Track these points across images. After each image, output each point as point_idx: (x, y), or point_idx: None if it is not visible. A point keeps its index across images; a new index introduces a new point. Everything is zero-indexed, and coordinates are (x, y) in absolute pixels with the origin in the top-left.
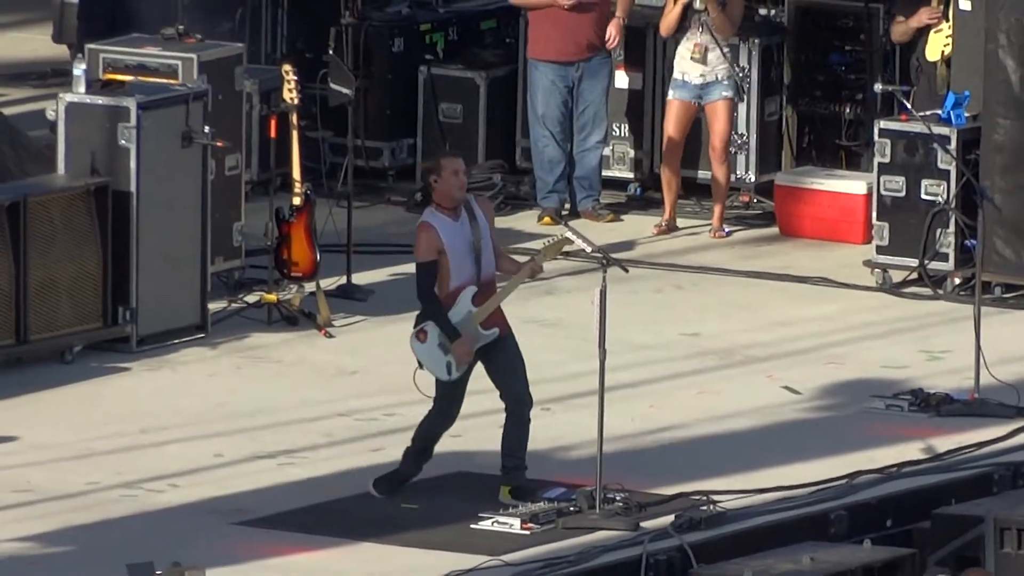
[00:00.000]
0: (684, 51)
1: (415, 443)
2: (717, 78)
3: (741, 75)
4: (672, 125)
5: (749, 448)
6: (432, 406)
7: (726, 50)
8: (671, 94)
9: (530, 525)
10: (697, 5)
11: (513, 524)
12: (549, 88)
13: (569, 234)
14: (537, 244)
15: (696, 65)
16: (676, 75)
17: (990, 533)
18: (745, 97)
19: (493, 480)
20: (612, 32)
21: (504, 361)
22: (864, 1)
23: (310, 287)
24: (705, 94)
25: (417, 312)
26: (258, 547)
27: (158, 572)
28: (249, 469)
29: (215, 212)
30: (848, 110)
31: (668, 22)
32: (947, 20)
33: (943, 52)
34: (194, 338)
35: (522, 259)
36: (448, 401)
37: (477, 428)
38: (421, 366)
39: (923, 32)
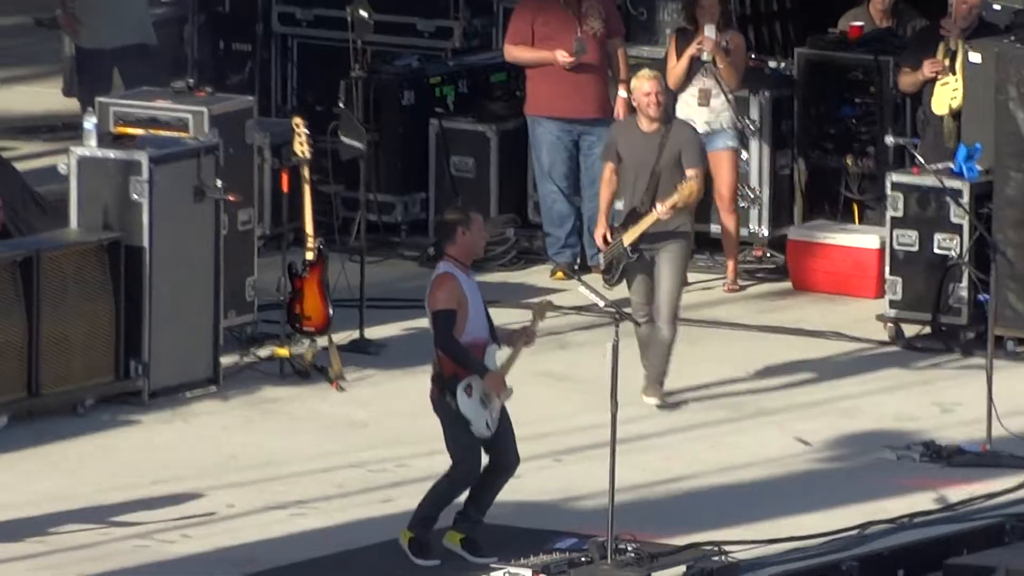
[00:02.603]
0: (689, 97)
1: (425, 509)
2: (722, 126)
3: (747, 125)
4: None
5: (761, 499)
6: (450, 476)
7: (730, 97)
8: None
9: None
10: (704, 57)
11: (525, 575)
12: (554, 143)
13: (581, 288)
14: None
15: (700, 111)
16: None
17: None
18: (748, 146)
19: (504, 531)
20: (619, 111)
21: (502, 421)
22: (874, 54)
23: (322, 341)
24: (709, 143)
25: (431, 363)
26: None
27: None
28: (261, 520)
29: (227, 266)
30: (860, 163)
31: (675, 75)
32: (953, 73)
33: (950, 105)
34: (206, 391)
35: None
36: (475, 459)
37: None
38: (464, 424)
39: (929, 84)
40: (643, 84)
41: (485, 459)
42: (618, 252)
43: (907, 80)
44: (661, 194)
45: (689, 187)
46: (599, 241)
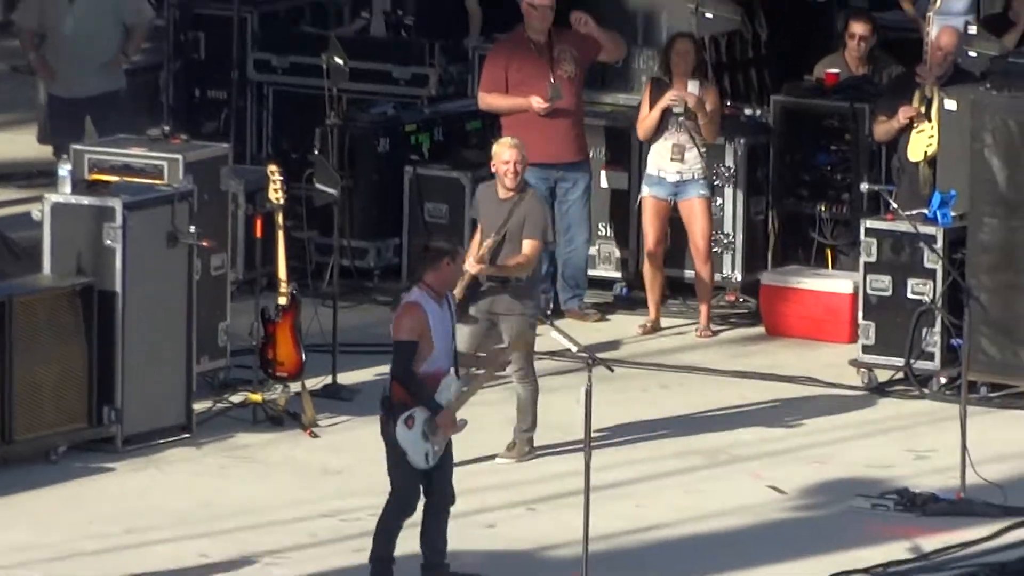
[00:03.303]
0: (662, 149)
1: (377, 549)
2: (693, 176)
3: (724, 175)
4: (650, 224)
5: (735, 548)
6: (388, 505)
7: (703, 150)
8: (645, 190)
9: None
10: (676, 109)
11: None
12: None
13: (554, 333)
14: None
15: (673, 165)
16: (651, 171)
17: None
18: (722, 194)
19: None
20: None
21: (441, 460)
22: (850, 101)
23: (295, 387)
24: (681, 192)
25: (383, 395)
26: None
27: None
28: (234, 569)
29: (200, 312)
30: (834, 209)
31: (646, 127)
32: (929, 120)
33: (926, 152)
34: (179, 438)
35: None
36: (411, 492)
37: (462, 528)
38: (401, 455)
39: (905, 132)
40: (503, 152)
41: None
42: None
43: (881, 128)
44: (500, 259)
45: (520, 258)
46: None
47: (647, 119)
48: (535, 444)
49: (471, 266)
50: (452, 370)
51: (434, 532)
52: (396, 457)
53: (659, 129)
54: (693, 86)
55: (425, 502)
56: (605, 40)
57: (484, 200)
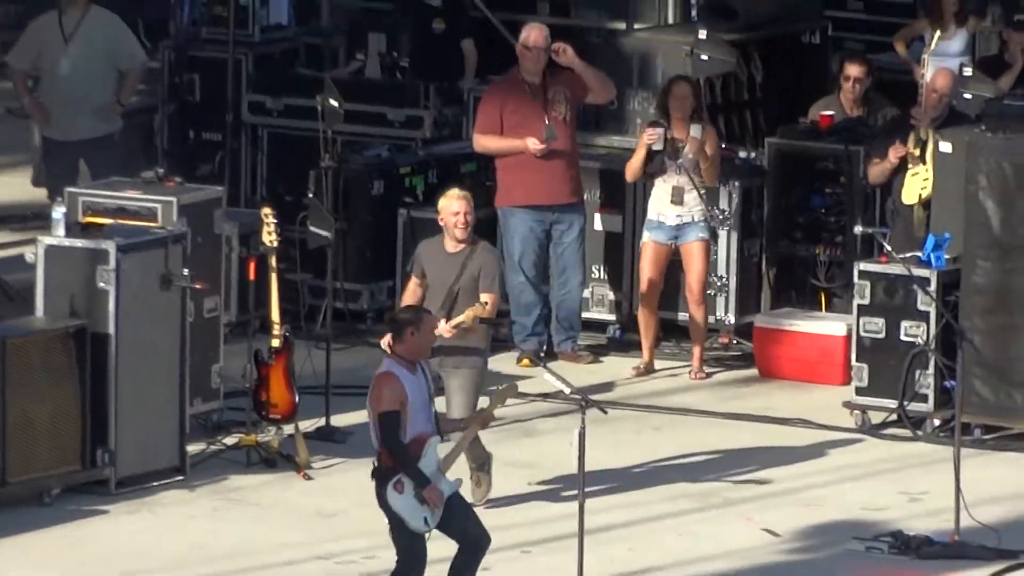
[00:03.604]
0: (661, 193)
1: None
2: (693, 219)
3: (719, 217)
4: (648, 267)
5: None
6: (397, 564)
7: (703, 192)
8: (646, 235)
9: None
10: (656, 146)
11: None
12: (526, 235)
13: (547, 376)
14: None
15: (673, 208)
16: (651, 216)
17: None
18: (719, 239)
19: None
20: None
21: (456, 505)
22: (844, 143)
23: (289, 429)
24: (681, 235)
25: (373, 465)
26: None
27: None
28: None
29: (194, 354)
30: (828, 252)
31: (633, 167)
32: (923, 163)
33: (920, 195)
34: (173, 480)
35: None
36: (417, 553)
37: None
38: (399, 521)
39: (899, 174)
40: (452, 204)
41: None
42: None
43: (875, 170)
44: (455, 315)
45: (476, 310)
46: (384, 345)
47: (633, 159)
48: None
49: (445, 330)
50: (434, 432)
51: (466, 569)
52: (395, 523)
53: (658, 170)
54: (696, 131)
55: (460, 545)
56: (590, 78)
57: (429, 255)
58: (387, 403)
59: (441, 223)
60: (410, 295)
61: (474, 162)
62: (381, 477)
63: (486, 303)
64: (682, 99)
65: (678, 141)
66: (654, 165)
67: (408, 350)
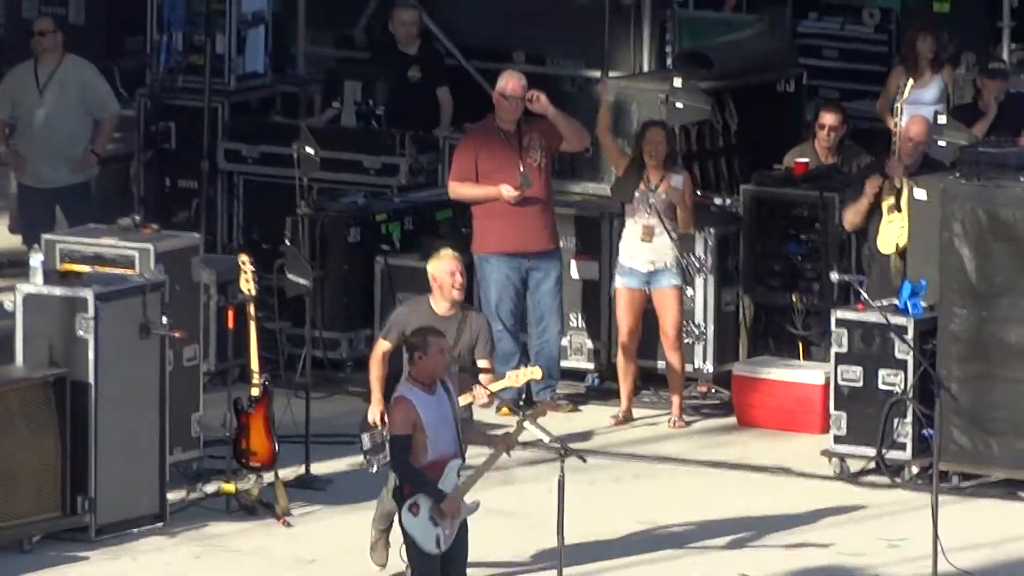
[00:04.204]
0: (631, 234)
1: None
2: (666, 265)
3: (696, 264)
4: (625, 315)
5: None
6: None
7: (674, 236)
8: (618, 280)
9: None
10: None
11: None
12: (503, 282)
13: (527, 424)
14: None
15: (644, 248)
16: (623, 260)
17: None
18: (692, 283)
19: None
20: (536, 95)
21: (461, 539)
22: (819, 190)
23: (268, 477)
24: (653, 281)
25: (393, 486)
26: None
27: None
28: None
29: (173, 402)
30: (805, 299)
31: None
32: (899, 211)
33: (897, 244)
34: (153, 527)
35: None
36: (430, 574)
37: None
38: (411, 542)
39: (874, 220)
40: (447, 264)
41: None
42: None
43: (850, 211)
44: (462, 382)
45: (524, 373)
46: (375, 419)
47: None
48: None
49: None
50: (458, 454)
51: None
52: (410, 546)
53: (628, 210)
54: (677, 181)
55: None
56: (564, 126)
57: (417, 319)
58: (398, 427)
59: (434, 284)
60: (380, 363)
61: (450, 209)
62: (401, 499)
63: (490, 370)
64: (656, 144)
65: (651, 182)
66: (635, 203)
67: (420, 372)
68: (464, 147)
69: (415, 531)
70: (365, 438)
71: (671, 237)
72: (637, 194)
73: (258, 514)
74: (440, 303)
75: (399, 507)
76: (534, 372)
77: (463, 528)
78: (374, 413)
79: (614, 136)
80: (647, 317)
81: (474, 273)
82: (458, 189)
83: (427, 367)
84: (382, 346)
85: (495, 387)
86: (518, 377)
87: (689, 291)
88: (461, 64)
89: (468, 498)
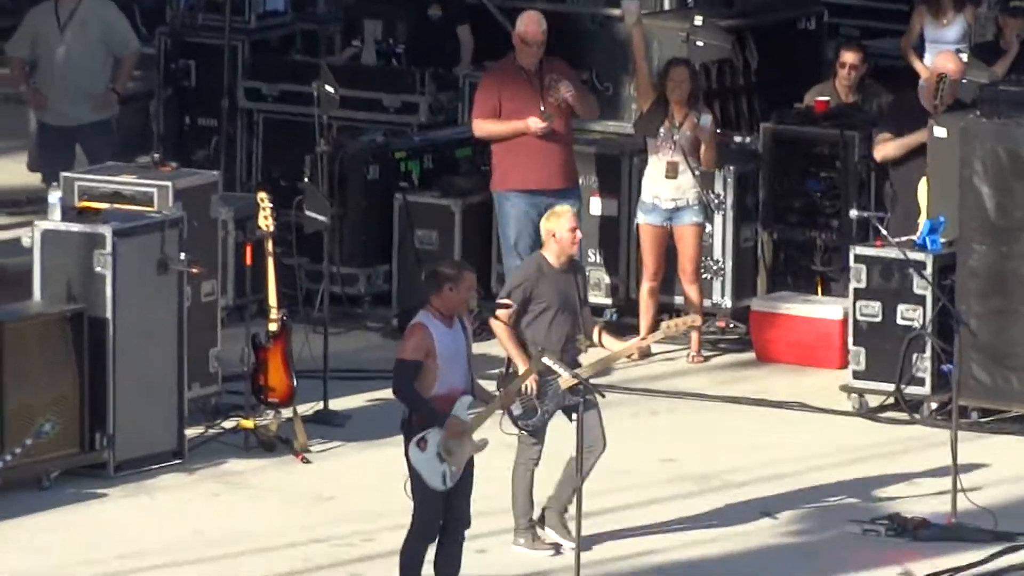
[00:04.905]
0: (654, 171)
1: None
2: (688, 202)
3: (714, 201)
4: (649, 252)
5: (727, 573)
6: (411, 526)
7: (697, 173)
8: (640, 217)
9: None
10: (629, 20)
11: None
12: (521, 218)
13: (545, 359)
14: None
15: (668, 186)
16: (645, 198)
17: None
18: (713, 220)
19: None
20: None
21: (465, 479)
22: (839, 128)
23: (287, 413)
24: (676, 218)
25: (403, 418)
26: None
27: None
28: None
29: (191, 338)
30: (823, 236)
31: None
32: None
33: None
34: (171, 464)
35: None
36: (430, 514)
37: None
38: (417, 476)
39: (906, 160)
40: (564, 221)
41: None
42: (555, 395)
43: (890, 146)
44: (587, 330)
45: (682, 322)
46: (531, 386)
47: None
48: None
49: (645, 344)
50: (468, 390)
51: (446, 558)
52: (416, 480)
53: (651, 147)
54: (705, 120)
55: (441, 525)
56: (581, 107)
57: (537, 277)
58: (409, 352)
59: (552, 240)
60: (509, 326)
61: (469, 147)
62: (408, 432)
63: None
64: (680, 82)
65: (675, 119)
66: (658, 140)
67: (443, 304)
68: (487, 85)
69: (422, 466)
70: (515, 405)
71: (694, 175)
72: (662, 131)
73: (276, 450)
74: (558, 258)
75: (406, 441)
76: (694, 321)
77: (470, 465)
78: (527, 379)
79: (648, 69)
80: (667, 252)
81: (493, 210)
82: (484, 126)
83: (454, 301)
84: (507, 314)
85: (652, 339)
86: (677, 327)
87: (707, 227)
88: (481, 2)
89: (476, 436)
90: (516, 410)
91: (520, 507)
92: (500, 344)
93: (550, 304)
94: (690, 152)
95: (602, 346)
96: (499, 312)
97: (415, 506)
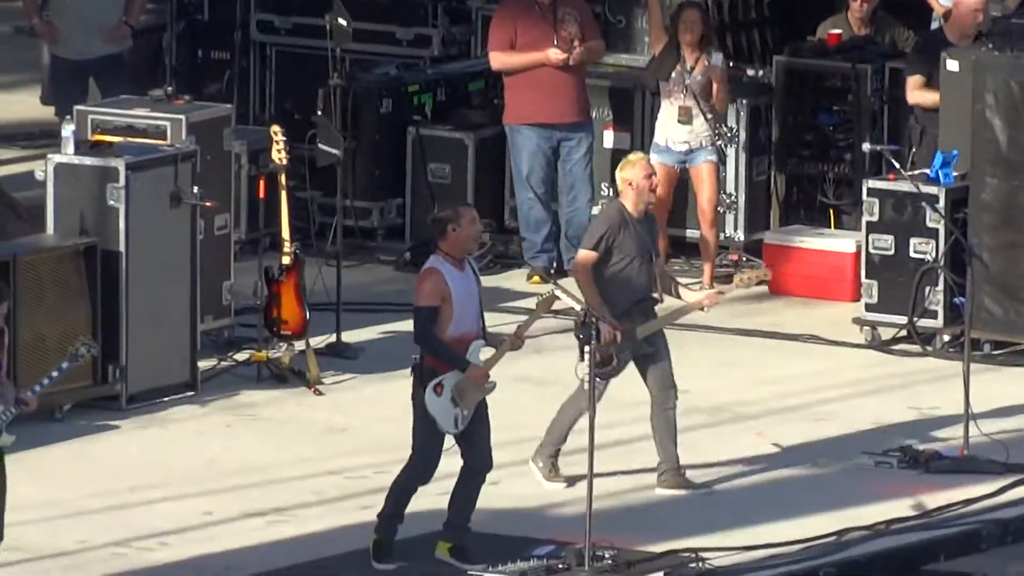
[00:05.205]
0: (667, 115)
1: (387, 507)
2: (701, 144)
3: (727, 135)
4: (659, 191)
5: (738, 505)
6: (408, 463)
7: (709, 116)
8: (653, 158)
9: None
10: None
11: None
12: (534, 151)
13: (558, 292)
14: (526, 303)
15: (681, 130)
16: (658, 140)
17: None
18: (727, 159)
19: (481, 539)
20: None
21: (475, 422)
22: (852, 62)
23: (300, 345)
24: (689, 159)
25: (415, 362)
26: None
27: None
28: (239, 527)
29: (204, 271)
30: (836, 169)
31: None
32: None
33: None
34: (184, 396)
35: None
36: (433, 452)
37: None
38: (429, 420)
39: None
40: (640, 169)
41: (457, 464)
42: (634, 345)
43: (927, 99)
44: (662, 281)
45: (753, 276)
46: (609, 336)
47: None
48: None
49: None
50: (479, 334)
51: (464, 498)
52: (423, 422)
53: (663, 91)
54: (716, 59)
55: (461, 466)
56: (588, 55)
57: (619, 226)
58: (426, 298)
59: (629, 188)
60: (591, 274)
61: (482, 80)
62: (422, 376)
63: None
64: (691, 24)
65: (687, 62)
66: (671, 84)
67: (452, 246)
68: (502, 18)
69: (436, 410)
70: (587, 350)
71: (707, 118)
72: (673, 75)
73: (289, 382)
74: (636, 207)
75: (421, 385)
76: (765, 275)
77: (483, 406)
78: (609, 327)
79: (660, 11)
80: (679, 186)
81: (506, 144)
82: (501, 58)
83: (460, 239)
84: (590, 257)
85: (728, 291)
86: (748, 280)
87: (721, 171)
88: None
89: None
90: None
91: (554, 436)
92: (581, 292)
93: (631, 253)
94: (702, 96)
95: (678, 296)
96: (580, 256)
97: (418, 447)
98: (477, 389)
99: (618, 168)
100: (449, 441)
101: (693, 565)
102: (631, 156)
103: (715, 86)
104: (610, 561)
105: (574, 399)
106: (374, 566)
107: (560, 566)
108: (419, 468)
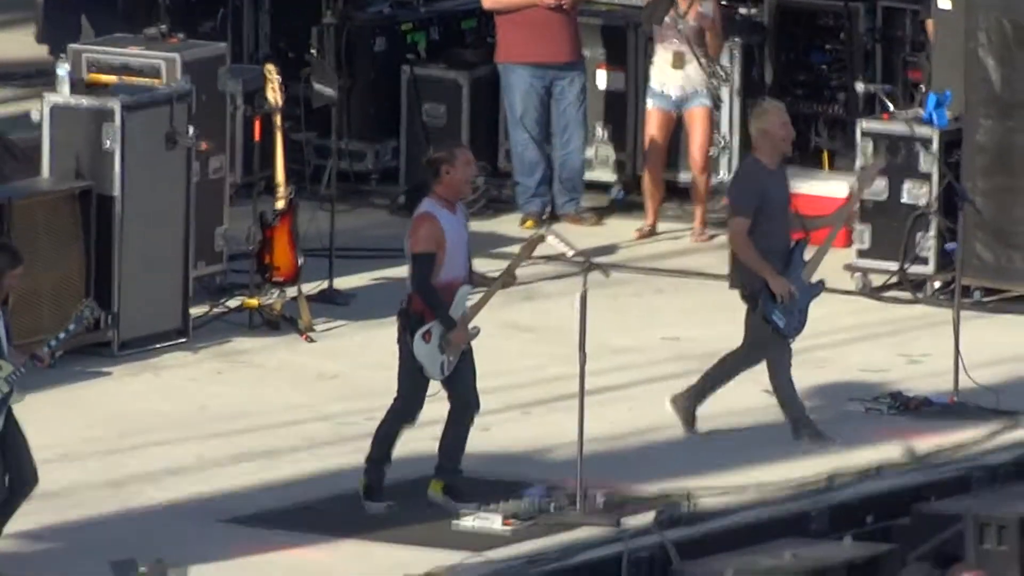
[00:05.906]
0: (661, 61)
1: (374, 451)
2: (696, 90)
3: (720, 75)
4: (653, 132)
5: (730, 450)
6: (392, 408)
7: (703, 61)
8: (649, 103)
9: (511, 522)
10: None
11: (494, 521)
12: (527, 91)
13: (551, 238)
14: (518, 249)
15: (675, 75)
16: (653, 84)
17: (970, 529)
18: (721, 107)
19: (473, 483)
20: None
21: (459, 365)
22: (844, 0)
23: (292, 292)
24: (684, 104)
25: (401, 306)
26: (241, 545)
27: (141, 569)
28: (230, 472)
29: (198, 215)
30: (830, 110)
31: None
32: None
33: None
34: (176, 342)
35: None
36: (418, 397)
37: None
38: (415, 366)
39: None
40: (775, 115)
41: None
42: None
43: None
44: (795, 227)
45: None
46: (790, 289)
47: None
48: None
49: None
50: (466, 279)
51: (454, 441)
52: (409, 367)
53: (657, 36)
54: (707, 8)
55: (449, 409)
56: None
57: (762, 180)
58: (423, 244)
59: (764, 139)
60: (748, 238)
61: (474, 18)
62: (409, 322)
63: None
64: None
65: (680, 8)
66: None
67: (446, 189)
68: None
69: (424, 357)
70: (776, 314)
71: (700, 63)
72: (667, 20)
73: (281, 329)
74: (771, 157)
75: (408, 331)
76: (880, 162)
77: (468, 349)
78: (784, 287)
79: None
80: (672, 132)
81: (499, 83)
82: None
83: (455, 181)
84: (745, 225)
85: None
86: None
87: (716, 115)
88: None
89: (469, 325)
90: (777, 318)
91: (796, 406)
92: (741, 256)
93: (777, 204)
94: (696, 41)
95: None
96: (736, 225)
97: (402, 391)
98: (463, 341)
99: (752, 118)
100: (435, 387)
101: (684, 505)
102: (765, 104)
103: (708, 35)
104: (602, 501)
105: (776, 370)
106: (365, 507)
107: (552, 506)
108: (402, 412)
